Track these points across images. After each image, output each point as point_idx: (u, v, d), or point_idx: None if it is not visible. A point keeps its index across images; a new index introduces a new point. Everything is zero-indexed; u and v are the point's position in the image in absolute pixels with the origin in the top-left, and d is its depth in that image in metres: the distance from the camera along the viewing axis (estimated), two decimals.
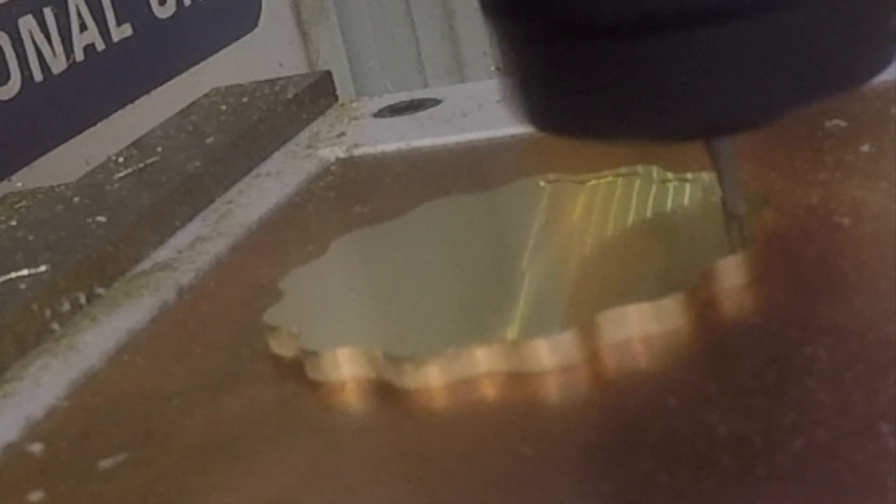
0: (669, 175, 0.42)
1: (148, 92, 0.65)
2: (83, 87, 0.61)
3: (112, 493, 0.32)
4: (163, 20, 0.66)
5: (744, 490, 0.27)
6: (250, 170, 0.54)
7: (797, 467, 0.27)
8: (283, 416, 0.35)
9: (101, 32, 0.61)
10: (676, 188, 0.41)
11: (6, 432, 0.36)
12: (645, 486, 0.28)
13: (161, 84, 0.66)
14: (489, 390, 0.33)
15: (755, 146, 0.47)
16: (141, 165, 0.54)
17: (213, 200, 0.52)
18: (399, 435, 0.32)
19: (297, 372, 0.36)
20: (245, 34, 0.74)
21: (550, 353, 0.33)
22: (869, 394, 0.29)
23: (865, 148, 0.43)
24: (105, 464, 0.34)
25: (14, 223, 0.50)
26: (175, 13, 0.67)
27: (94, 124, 0.61)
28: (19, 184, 0.57)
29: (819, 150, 0.45)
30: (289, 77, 0.61)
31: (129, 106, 0.64)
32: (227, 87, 0.61)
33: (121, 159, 0.55)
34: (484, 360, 0.33)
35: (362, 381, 0.35)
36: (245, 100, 0.59)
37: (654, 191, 0.41)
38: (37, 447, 0.35)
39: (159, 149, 0.55)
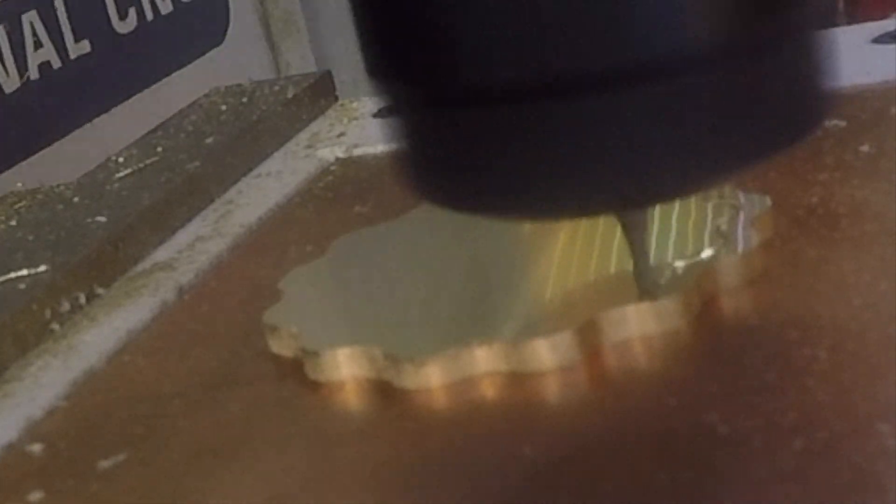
0: None
1: (108, 110, 0.62)
2: (38, 107, 0.59)
3: (112, 493, 0.32)
4: (123, 36, 0.64)
5: (744, 490, 0.27)
6: (250, 170, 0.54)
7: (797, 467, 0.27)
8: (283, 416, 0.35)
9: (57, 49, 0.59)
10: None
11: (6, 432, 0.36)
12: (645, 486, 0.28)
13: (122, 102, 0.64)
14: (489, 390, 0.33)
15: None
16: (141, 165, 0.54)
17: (213, 200, 0.52)
18: (399, 435, 0.32)
19: (297, 372, 0.36)
20: (212, 48, 0.72)
21: (550, 353, 0.33)
22: (869, 394, 0.29)
23: (865, 148, 0.43)
24: (105, 464, 0.34)
25: (14, 223, 0.50)
26: (136, 28, 0.65)
27: (49, 145, 0.59)
28: (19, 184, 0.56)
29: (819, 150, 0.45)
30: (289, 77, 0.61)
31: (88, 125, 0.61)
32: (226, 87, 0.61)
33: (121, 159, 0.55)
34: (484, 360, 0.33)
35: (362, 381, 0.35)
36: (245, 100, 0.59)
37: None
38: (37, 447, 0.35)
39: (159, 149, 0.55)
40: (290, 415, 0.35)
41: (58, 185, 0.54)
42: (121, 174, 0.54)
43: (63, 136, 0.59)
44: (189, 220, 0.50)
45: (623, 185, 0.27)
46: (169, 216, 0.49)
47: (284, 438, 0.33)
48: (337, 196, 0.50)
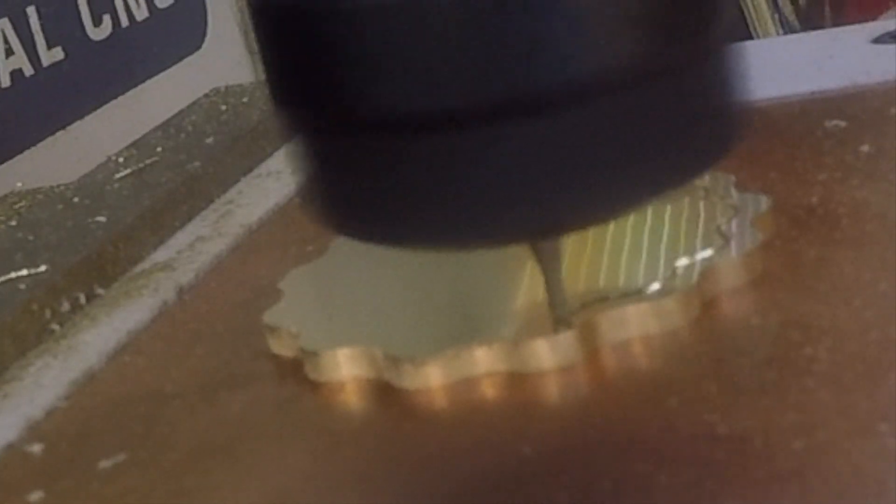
0: None
1: (82, 117, 0.61)
2: (10, 115, 0.58)
3: (112, 493, 0.32)
4: (98, 42, 0.63)
5: (744, 490, 0.27)
6: (250, 170, 0.54)
7: (797, 467, 0.27)
8: (283, 416, 0.34)
9: (29, 57, 0.58)
10: None
11: (6, 432, 0.36)
12: (645, 486, 0.28)
13: (97, 108, 0.62)
14: (489, 390, 0.33)
15: (755, 146, 0.47)
16: (141, 165, 0.54)
17: (212, 200, 0.52)
18: (399, 435, 0.32)
19: (297, 372, 0.36)
20: (189, 54, 0.70)
21: (550, 353, 0.33)
22: (869, 394, 0.29)
23: (865, 148, 0.43)
24: (105, 464, 0.34)
25: (14, 223, 0.50)
26: (111, 35, 0.64)
27: (20, 152, 0.57)
28: (19, 184, 0.56)
29: (819, 150, 0.45)
30: None
31: (61, 132, 0.60)
32: (227, 87, 0.61)
33: (121, 159, 0.55)
34: (484, 360, 0.33)
35: (362, 381, 0.35)
36: (245, 100, 0.59)
37: None
38: (37, 447, 0.35)
39: (159, 149, 0.55)
40: (290, 415, 0.35)
41: (58, 186, 0.54)
42: (121, 174, 0.54)
43: (35, 143, 0.58)
44: (189, 220, 0.50)
45: (533, 215, 0.26)
46: (169, 216, 0.49)
47: (284, 438, 0.33)
48: None
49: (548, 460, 0.30)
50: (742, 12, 1.34)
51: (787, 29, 1.33)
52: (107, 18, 0.63)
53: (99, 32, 0.63)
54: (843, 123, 0.46)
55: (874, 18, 1.22)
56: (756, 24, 1.34)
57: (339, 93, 0.26)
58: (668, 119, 0.26)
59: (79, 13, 0.61)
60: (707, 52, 0.27)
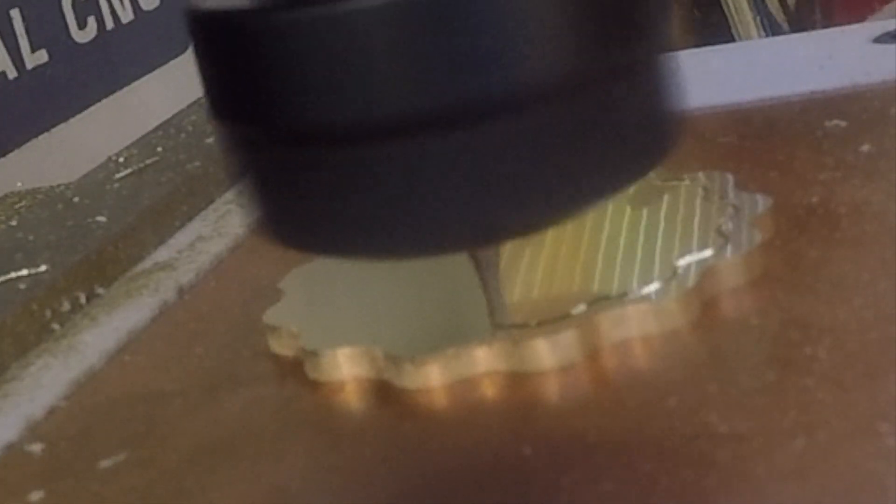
0: (668, 175, 0.42)
1: (66, 120, 0.60)
2: None
3: (112, 493, 0.32)
4: (83, 45, 0.62)
5: (744, 490, 0.27)
6: None
7: (797, 467, 0.27)
8: (283, 416, 0.34)
9: (13, 59, 0.57)
10: (675, 188, 0.41)
11: (6, 432, 0.36)
12: (645, 486, 0.28)
13: (81, 112, 0.61)
14: (489, 390, 0.33)
15: (755, 146, 0.47)
16: (141, 165, 0.54)
17: (213, 200, 0.52)
18: (399, 435, 0.32)
19: (297, 372, 0.36)
20: (175, 57, 0.69)
21: (550, 353, 0.33)
22: (869, 394, 0.29)
23: (865, 148, 0.43)
24: (105, 464, 0.34)
25: (14, 223, 0.50)
26: (96, 37, 0.63)
27: (2, 156, 0.57)
28: (19, 184, 0.56)
29: (819, 150, 0.45)
30: None
31: (45, 134, 0.59)
32: None
33: (121, 159, 0.55)
34: (484, 360, 0.33)
35: (362, 381, 0.35)
36: None
37: (651, 190, 0.41)
38: (37, 447, 0.35)
39: (159, 149, 0.55)
40: (290, 415, 0.35)
41: (58, 185, 0.54)
42: (121, 174, 0.54)
43: (18, 146, 0.58)
44: (189, 220, 0.50)
45: (468, 225, 0.26)
46: (169, 216, 0.49)
47: (284, 438, 0.33)
48: None
49: (548, 460, 0.30)
50: (724, 15, 1.35)
51: (770, 31, 1.34)
52: (92, 21, 0.63)
53: (84, 35, 0.62)
54: (843, 123, 0.46)
55: (862, 20, 1.23)
56: (738, 27, 1.34)
57: (274, 106, 0.26)
58: (601, 128, 0.26)
59: (63, 15, 0.60)
60: (640, 61, 0.27)
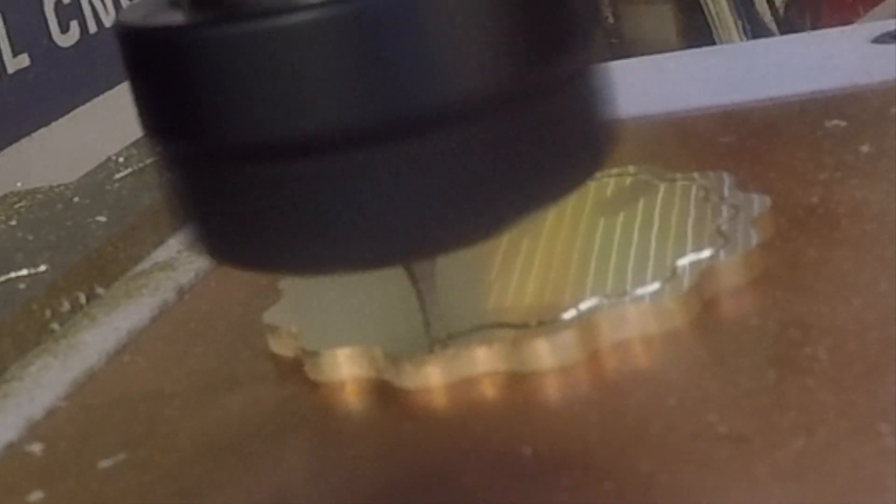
0: (668, 175, 0.42)
1: (48, 124, 0.60)
2: None
3: (112, 493, 0.32)
4: (65, 49, 0.60)
5: (744, 490, 0.27)
6: None
7: (797, 467, 0.27)
8: (283, 416, 0.34)
9: None
10: (675, 187, 0.41)
11: (6, 432, 0.36)
12: (645, 486, 0.28)
13: (63, 116, 0.61)
14: (489, 390, 0.33)
15: (755, 146, 0.47)
16: (141, 165, 0.54)
17: None
18: (399, 435, 0.32)
19: (297, 372, 0.36)
20: None
21: (550, 353, 0.33)
22: (869, 394, 0.29)
23: (865, 148, 0.43)
24: (105, 464, 0.34)
25: (14, 223, 0.50)
26: (79, 41, 0.62)
27: None
28: (19, 184, 0.56)
29: (819, 150, 0.45)
30: None
31: (26, 139, 0.59)
32: None
33: (121, 159, 0.55)
34: (484, 360, 0.33)
35: (362, 381, 0.35)
36: None
37: (651, 190, 0.41)
38: (37, 447, 0.35)
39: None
40: (290, 415, 0.35)
41: (58, 185, 0.54)
42: (121, 174, 0.54)
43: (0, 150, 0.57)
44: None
45: (402, 239, 0.26)
46: (169, 216, 0.49)
47: (284, 438, 0.33)
48: None
49: (548, 460, 0.30)
50: (706, 19, 1.35)
51: (752, 35, 1.34)
52: (74, 25, 0.62)
53: (66, 39, 0.61)
54: (843, 123, 0.46)
55: (848, 22, 1.24)
56: (719, 31, 1.35)
57: (204, 123, 0.26)
58: (531, 141, 0.26)
59: (45, 19, 0.60)
60: (569, 75, 0.27)
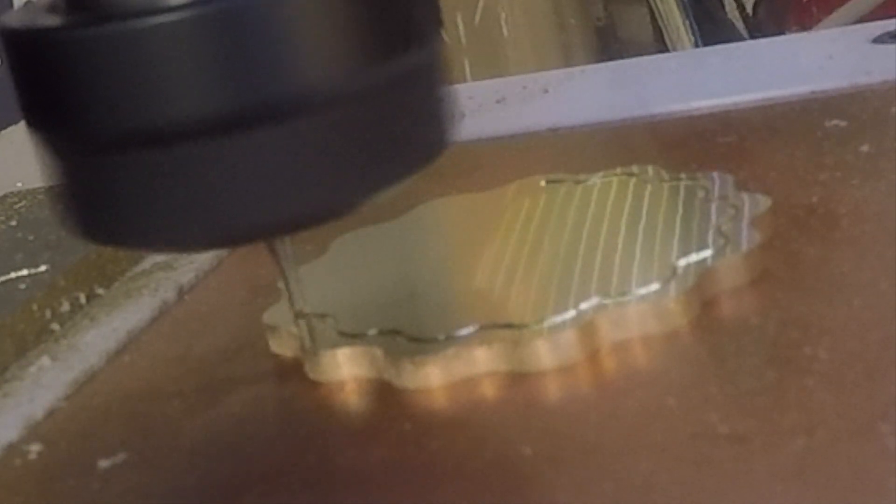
0: (667, 175, 0.42)
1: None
2: None
3: (112, 493, 0.32)
4: None
5: (744, 490, 0.27)
6: None
7: (797, 467, 0.27)
8: (283, 416, 0.35)
9: None
10: (674, 188, 0.41)
11: (6, 432, 0.36)
12: (645, 487, 0.28)
13: None
14: (489, 390, 0.33)
15: (755, 146, 0.47)
16: None
17: None
18: (399, 435, 0.32)
19: (297, 372, 0.36)
20: None
21: (550, 353, 0.33)
22: (869, 394, 0.29)
23: (865, 148, 0.43)
24: (105, 464, 0.34)
25: (14, 223, 0.50)
26: None
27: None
28: (19, 184, 0.56)
29: (819, 150, 0.45)
30: None
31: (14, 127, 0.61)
32: None
33: None
34: (484, 360, 0.33)
35: (362, 381, 0.35)
36: None
37: (651, 190, 0.41)
38: (37, 447, 0.35)
39: None
40: (290, 415, 0.35)
41: None
42: None
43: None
44: None
45: (257, 217, 0.28)
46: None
47: (284, 438, 0.33)
48: None
49: (548, 460, 0.30)
50: (658, 27, 1.36)
51: (699, 36, 1.36)
52: None
53: None
54: (843, 123, 0.46)
55: (807, 28, 1.25)
56: (669, 32, 1.36)
57: (75, 116, 0.28)
58: (376, 128, 0.29)
59: None
60: (412, 70, 0.29)
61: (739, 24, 1.43)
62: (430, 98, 0.30)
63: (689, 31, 1.35)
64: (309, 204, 0.29)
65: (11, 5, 0.60)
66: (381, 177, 0.30)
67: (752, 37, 1.37)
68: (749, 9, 1.45)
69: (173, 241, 0.30)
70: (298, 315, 0.35)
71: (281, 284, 0.40)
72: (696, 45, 1.34)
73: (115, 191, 0.29)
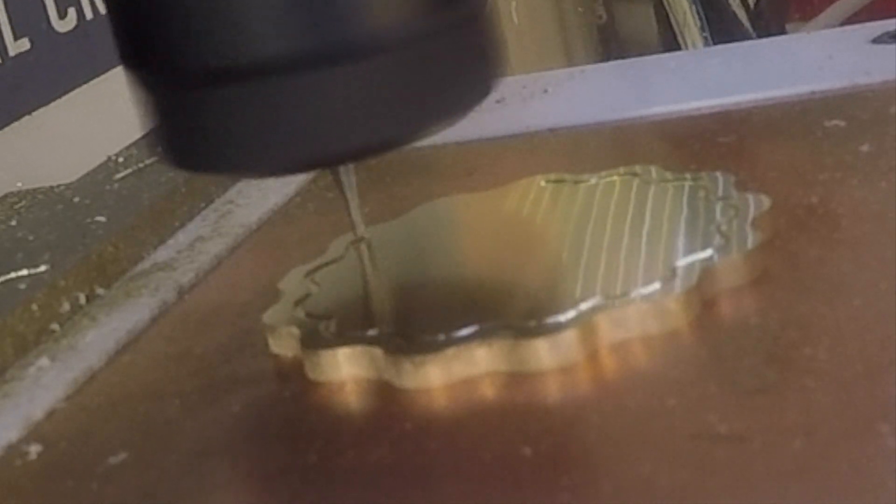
0: (668, 175, 0.42)
1: (47, 104, 0.62)
2: None
3: (112, 493, 0.32)
4: (63, 34, 0.64)
5: (744, 490, 0.27)
6: None
7: (797, 467, 0.27)
8: (283, 416, 0.34)
9: None
10: (675, 188, 0.41)
11: (6, 432, 0.36)
12: (645, 487, 0.28)
13: (61, 97, 0.63)
14: (489, 390, 0.33)
15: (755, 146, 0.47)
16: (141, 165, 0.54)
17: (212, 200, 0.52)
18: (399, 435, 0.32)
19: (297, 372, 0.36)
20: None
21: (550, 353, 0.33)
22: (869, 394, 0.29)
23: (865, 148, 0.43)
24: (105, 464, 0.34)
25: (14, 223, 0.50)
26: (76, 27, 0.65)
27: None
28: (19, 184, 0.56)
29: (819, 150, 0.45)
30: None
31: (26, 117, 0.61)
32: None
33: (121, 159, 0.55)
34: (484, 360, 0.33)
35: (362, 381, 0.35)
36: None
37: (652, 190, 0.41)
38: (36, 447, 0.35)
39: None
40: (290, 415, 0.35)
41: (58, 185, 0.54)
42: (121, 174, 0.54)
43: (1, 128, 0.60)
44: (189, 220, 0.50)
45: (328, 144, 0.33)
46: (169, 216, 0.49)
47: (284, 438, 0.33)
48: (337, 196, 0.50)
49: (548, 460, 0.30)
50: (670, 26, 1.37)
51: (709, 33, 1.36)
52: (72, 11, 0.64)
53: (64, 24, 0.64)
54: (842, 123, 0.46)
55: (810, 19, 1.25)
56: (682, 29, 1.36)
57: (166, 54, 0.33)
58: (435, 67, 0.33)
59: (44, 6, 0.63)
60: (464, 18, 0.34)
61: (742, 14, 1.43)
62: (481, 42, 0.35)
63: (696, 19, 1.35)
64: (379, 132, 0.33)
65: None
66: (443, 110, 0.34)
67: (755, 26, 1.37)
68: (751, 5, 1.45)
69: (258, 167, 0.35)
70: (358, 240, 0.39)
71: (283, 285, 0.40)
72: (703, 33, 1.34)
73: (210, 122, 0.33)
